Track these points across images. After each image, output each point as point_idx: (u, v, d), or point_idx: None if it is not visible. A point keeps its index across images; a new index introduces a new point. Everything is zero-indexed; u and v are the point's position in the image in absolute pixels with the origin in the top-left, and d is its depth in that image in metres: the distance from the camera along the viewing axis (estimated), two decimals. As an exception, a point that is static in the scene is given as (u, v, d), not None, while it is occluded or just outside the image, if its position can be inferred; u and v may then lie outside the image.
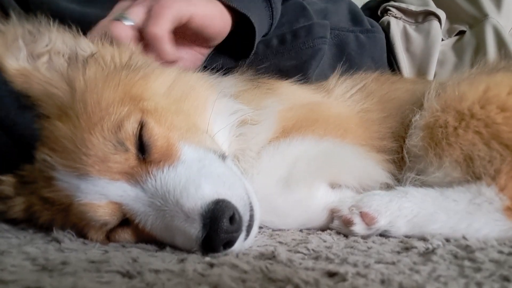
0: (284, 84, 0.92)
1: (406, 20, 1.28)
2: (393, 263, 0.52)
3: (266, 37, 1.00)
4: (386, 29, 1.26)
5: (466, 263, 0.52)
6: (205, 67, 0.88)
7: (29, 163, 0.64)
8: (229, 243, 0.57)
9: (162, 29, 0.77)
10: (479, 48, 1.25)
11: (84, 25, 0.77)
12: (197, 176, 0.59)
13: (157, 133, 0.62)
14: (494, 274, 0.48)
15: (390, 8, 1.30)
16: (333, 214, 0.72)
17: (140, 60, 0.75)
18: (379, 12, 1.33)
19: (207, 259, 0.54)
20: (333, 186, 0.77)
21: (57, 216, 0.63)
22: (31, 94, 0.66)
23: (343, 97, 0.93)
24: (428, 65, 1.25)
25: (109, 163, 0.58)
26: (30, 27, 0.71)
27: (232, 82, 0.84)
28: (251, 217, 0.61)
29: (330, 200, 0.74)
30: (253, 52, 0.93)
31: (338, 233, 0.70)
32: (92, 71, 0.66)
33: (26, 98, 0.66)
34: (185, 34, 0.84)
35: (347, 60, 1.09)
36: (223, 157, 0.67)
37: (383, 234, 0.68)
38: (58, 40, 0.71)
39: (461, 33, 1.31)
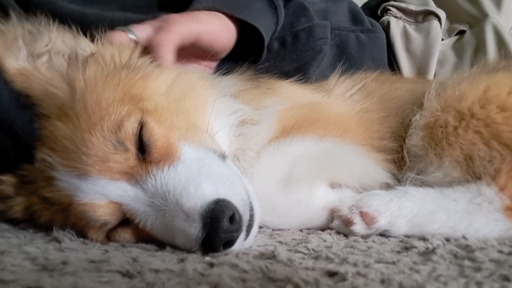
0: (284, 83, 0.92)
1: (406, 20, 1.28)
2: (393, 263, 0.52)
3: None
4: (386, 28, 1.26)
5: (466, 262, 0.52)
6: None
7: (29, 163, 0.64)
8: (229, 243, 0.57)
9: (168, 39, 0.79)
10: (479, 48, 1.25)
11: (84, 25, 0.77)
12: (197, 175, 0.59)
13: (157, 133, 0.62)
14: (494, 273, 0.48)
15: (390, 7, 1.30)
16: (333, 213, 0.72)
17: (140, 60, 0.75)
18: (379, 12, 1.33)
19: (207, 258, 0.54)
20: (333, 186, 0.77)
21: (57, 216, 0.63)
22: (31, 94, 0.66)
23: (343, 96, 0.93)
24: (428, 64, 1.25)
25: (109, 163, 0.58)
26: (30, 27, 0.71)
27: (232, 82, 0.84)
28: (251, 217, 0.61)
29: (330, 200, 0.74)
30: (262, 59, 0.94)
31: (338, 232, 0.70)
32: (92, 71, 0.66)
33: (26, 98, 0.66)
34: (193, 51, 0.85)
35: (348, 59, 1.09)
36: (223, 156, 0.67)
37: (383, 234, 0.68)
38: (58, 40, 0.71)
39: (461, 32, 1.31)
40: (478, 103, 0.75)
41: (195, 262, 0.52)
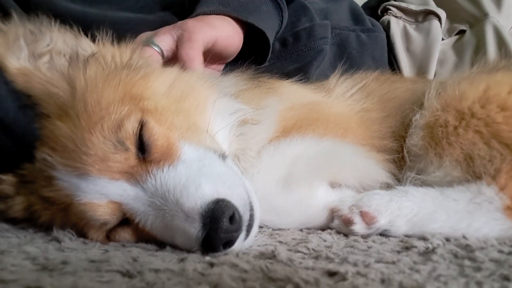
0: (284, 83, 0.92)
1: (406, 20, 1.28)
2: (393, 263, 0.52)
3: None
4: (386, 28, 1.26)
5: (466, 262, 0.52)
6: None
7: (29, 162, 0.64)
8: (229, 243, 0.57)
9: (195, 51, 0.81)
10: (479, 48, 1.25)
11: (85, 25, 0.77)
12: (197, 175, 0.59)
13: (157, 133, 0.62)
14: (494, 273, 0.48)
15: (390, 7, 1.30)
16: (333, 213, 0.72)
17: (141, 60, 0.75)
18: (379, 12, 1.33)
19: (207, 258, 0.54)
20: (333, 185, 0.77)
21: (57, 216, 0.63)
22: (32, 93, 0.66)
23: (343, 96, 0.93)
24: (428, 64, 1.25)
25: (109, 163, 0.59)
26: (31, 27, 0.71)
27: (232, 82, 0.84)
28: (251, 217, 0.61)
29: (330, 200, 0.74)
30: (266, 62, 0.95)
31: (338, 232, 0.70)
32: (92, 71, 0.66)
33: (27, 98, 0.66)
34: (204, 56, 0.86)
35: (348, 59, 1.09)
36: (223, 156, 0.67)
37: (383, 234, 0.68)
38: (59, 40, 0.72)
39: (461, 32, 1.31)
40: (478, 102, 0.74)
41: (195, 262, 0.52)
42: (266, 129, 0.78)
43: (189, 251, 0.58)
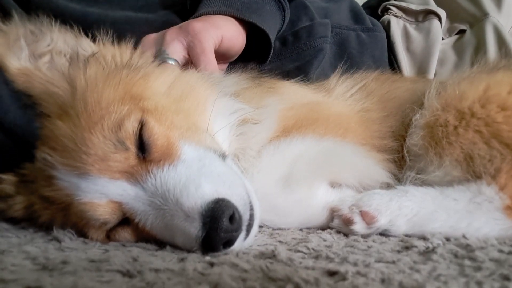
0: (285, 83, 0.92)
1: (406, 19, 1.28)
2: (393, 262, 0.52)
3: None
4: (387, 28, 1.26)
5: (466, 262, 0.52)
6: None
7: (30, 162, 0.64)
8: (229, 242, 0.57)
9: (209, 56, 0.82)
10: (479, 47, 1.25)
11: (86, 25, 0.77)
12: (197, 175, 0.59)
13: (157, 132, 0.62)
14: (494, 273, 0.48)
15: (391, 7, 1.30)
16: (333, 213, 0.72)
17: (141, 60, 0.75)
18: (379, 11, 1.33)
19: (207, 258, 0.54)
20: (333, 185, 0.77)
21: (57, 215, 0.64)
22: (32, 93, 0.66)
23: (343, 96, 0.93)
24: (428, 64, 1.25)
25: (109, 162, 0.59)
26: (32, 27, 0.71)
27: (232, 81, 0.84)
28: (251, 216, 0.61)
29: (330, 199, 0.74)
30: (268, 61, 0.95)
31: (338, 232, 0.70)
32: (93, 71, 0.67)
33: (27, 97, 0.66)
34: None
35: (348, 59, 1.09)
36: (223, 156, 0.67)
37: (383, 233, 0.68)
38: (59, 40, 0.72)
39: (462, 32, 1.31)
40: (479, 102, 0.74)
41: (195, 262, 0.52)
42: (266, 129, 0.78)
43: (189, 250, 0.58)
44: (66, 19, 0.76)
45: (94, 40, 0.76)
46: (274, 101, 0.81)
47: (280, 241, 0.65)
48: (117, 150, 0.59)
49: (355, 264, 0.51)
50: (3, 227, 0.68)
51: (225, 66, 0.95)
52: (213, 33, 0.84)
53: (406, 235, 0.67)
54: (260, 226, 0.69)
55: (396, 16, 1.28)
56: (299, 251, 0.59)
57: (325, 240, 0.65)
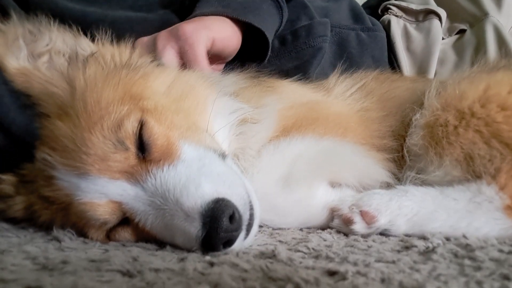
0: (284, 82, 0.92)
1: (406, 19, 1.28)
2: (393, 262, 0.52)
3: None
4: (387, 27, 1.26)
5: (466, 262, 0.52)
6: None
7: (29, 162, 0.64)
8: (229, 242, 0.57)
9: (201, 60, 0.82)
10: (480, 47, 1.25)
11: (85, 25, 0.77)
12: (197, 175, 0.59)
13: (157, 132, 0.62)
14: (494, 273, 0.48)
15: (391, 6, 1.30)
16: (333, 213, 0.72)
17: (140, 60, 0.75)
18: (379, 11, 1.33)
19: (207, 258, 0.54)
20: (333, 185, 0.77)
21: (57, 215, 0.63)
22: (31, 93, 0.66)
23: (343, 95, 0.93)
24: (428, 64, 1.25)
25: (109, 162, 0.59)
26: (30, 27, 0.71)
27: (232, 81, 0.84)
28: (251, 216, 0.61)
29: (330, 199, 0.74)
30: (265, 61, 0.95)
31: (338, 232, 0.70)
32: (92, 70, 0.66)
33: (27, 97, 0.66)
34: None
35: (348, 58, 1.09)
36: (223, 156, 0.67)
37: (383, 233, 0.68)
38: (58, 40, 0.72)
39: (462, 32, 1.31)
40: (479, 102, 0.74)
41: (195, 262, 0.52)
42: (266, 128, 0.78)
43: (189, 250, 0.58)
44: (65, 18, 0.76)
45: (93, 40, 0.76)
46: (273, 101, 0.81)
47: (280, 241, 0.65)
48: (117, 150, 0.59)
49: (355, 264, 0.51)
50: (3, 227, 0.68)
51: (221, 66, 0.95)
52: (204, 35, 0.83)
53: (406, 235, 0.67)
54: (260, 226, 0.69)
55: (396, 16, 1.28)
56: (299, 250, 0.59)
57: (325, 240, 0.65)
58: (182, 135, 0.64)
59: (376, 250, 0.58)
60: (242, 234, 0.59)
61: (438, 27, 1.26)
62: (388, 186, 0.77)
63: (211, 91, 0.76)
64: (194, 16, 0.89)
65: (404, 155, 0.81)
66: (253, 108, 0.78)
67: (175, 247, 0.60)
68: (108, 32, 0.76)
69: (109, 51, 0.73)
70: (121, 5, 0.98)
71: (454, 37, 1.31)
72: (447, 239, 0.63)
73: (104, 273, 0.48)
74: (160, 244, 0.62)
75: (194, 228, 0.55)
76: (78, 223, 0.63)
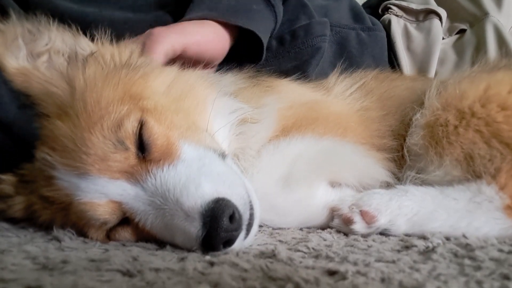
0: (283, 82, 0.92)
1: (407, 19, 1.28)
2: (393, 262, 0.52)
3: None
4: (387, 27, 1.26)
5: (466, 261, 0.52)
6: None
7: (29, 162, 0.64)
8: (229, 242, 0.57)
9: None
10: (480, 47, 1.25)
11: (84, 24, 0.77)
12: (197, 174, 0.59)
13: (157, 132, 0.62)
14: (494, 272, 0.48)
15: (391, 6, 1.30)
16: (333, 212, 0.72)
17: (140, 59, 0.75)
18: (380, 10, 1.32)
19: (207, 257, 0.54)
20: (333, 184, 0.77)
21: (57, 215, 0.63)
22: (31, 93, 0.66)
23: (342, 95, 0.93)
24: (428, 63, 1.25)
25: (109, 162, 0.58)
26: (30, 26, 0.71)
27: (231, 80, 0.84)
28: (251, 216, 0.61)
29: (330, 199, 0.74)
30: (262, 61, 0.94)
31: (338, 231, 0.70)
32: (91, 70, 0.66)
33: (26, 97, 0.66)
34: (187, 60, 0.85)
35: (348, 58, 1.09)
36: (223, 155, 0.67)
37: (383, 233, 0.68)
38: (58, 39, 0.71)
39: (462, 31, 1.31)
40: (479, 102, 0.74)
41: (195, 261, 0.52)
42: (266, 128, 0.78)
43: (189, 250, 0.58)
44: (64, 18, 0.75)
45: (92, 40, 0.76)
46: (273, 100, 0.81)
47: (280, 241, 0.65)
48: (117, 150, 0.59)
49: (355, 264, 0.51)
50: (3, 227, 0.68)
51: (212, 69, 0.94)
52: (171, 38, 0.81)
53: (406, 235, 0.67)
54: (260, 226, 0.69)
55: (397, 16, 1.27)
56: (299, 250, 0.59)
57: (325, 240, 0.65)
58: (182, 135, 0.64)
59: (376, 250, 0.58)
60: (242, 234, 0.59)
61: (438, 27, 1.26)
62: (388, 185, 0.77)
63: (210, 91, 0.76)
64: (183, 21, 0.88)
65: (404, 154, 0.81)
66: (253, 108, 0.77)
67: (175, 246, 0.60)
68: (107, 32, 0.76)
69: (109, 51, 0.73)
70: (118, 5, 0.98)
71: (454, 37, 1.31)
72: (447, 238, 0.63)
73: (104, 273, 0.48)
74: (160, 244, 0.62)
75: (194, 228, 0.55)
76: (78, 223, 0.63)
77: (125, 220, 0.62)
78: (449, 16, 1.31)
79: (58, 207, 0.62)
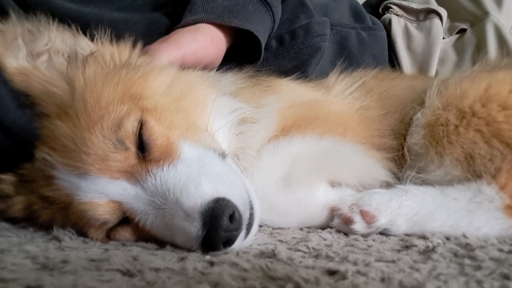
0: (283, 81, 0.92)
1: (407, 18, 1.28)
2: (393, 262, 0.52)
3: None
4: (387, 27, 1.26)
5: (466, 261, 0.52)
6: None
7: (29, 162, 0.64)
8: (229, 242, 0.57)
9: None
10: (480, 46, 1.24)
11: (83, 24, 0.77)
12: (197, 174, 0.59)
13: (157, 132, 0.62)
14: (494, 272, 0.48)
15: (392, 5, 1.30)
16: (333, 212, 0.72)
17: (140, 59, 0.75)
18: (380, 10, 1.32)
19: (207, 257, 0.54)
20: (333, 184, 0.77)
21: (57, 215, 0.63)
22: (30, 93, 0.66)
23: (342, 94, 0.92)
24: (429, 63, 1.25)
25: (109, 162, 0.58)
26: (29, 26, 0.71)
27: (231, 80, 0.84)
28: (251, 216, 0.61)
29: (330, 199, 0.74)
30: (260, 60, 0.94)
31: (338, 231, 0.70)
32: (91, 70, 0.66)
33: (26, 97, 0.66)
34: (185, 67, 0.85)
35: (348, 57, 1.09)
36: (223, 155, 0.67)
37: (383, 233, 0.68)
38: (57, 39, 0.71)
39: (462, 31, 1.31)
40: (479, 101, 0.74)
41: (195, 261, 0.52)
42: (266, 128, 0.78)
43: (189, 250, 0.58)
44: (64, 18, 0.75)
45: (92, 40, 0.76)
46: (273, 100, 0.81)
47: (280, 240, 0.65)
48: (116, 150, 0.59)
49: (355, 263, 0.51)
50: (3, 227, 0.68)
51: (211, 73, 0.94)
52: (170, 51, 0.82)
53: (406, 234, 0.67)
54: (260, 226, 0.69)
55: (397, 15, 1.27)
56: (299, 250, 0.59)
57: (325, 239, 0.65)
58: (182, 134, 0.64)
59: (376, 250, 0.58)
60: (242, 234, 0.59)
61: (438, 27, 1.26)
62: (388, 185, 0.77)
63: (210, 91, 0.75)
64: (180, 26, 0.88)
65: (405, 154, 0.81)
66: (253, 107, 0.77)
67: (175, 246, 0.60)
68: (107, 32, 0.76)
69: (109, 51, 0.73)
70: (117, 6, 0.98)
71: (454, 37, 1.30)
72: (447, 238, 0.63)
73: (104, 273, 0.48)
74: (160, 243, 0.62)
75: (194, 228, 0.55)
76: (78, 223, 0.63)
77: (125, 220, 0.62)
78: (449, 16, 1.31)
79: (58, 207, 0.62)
